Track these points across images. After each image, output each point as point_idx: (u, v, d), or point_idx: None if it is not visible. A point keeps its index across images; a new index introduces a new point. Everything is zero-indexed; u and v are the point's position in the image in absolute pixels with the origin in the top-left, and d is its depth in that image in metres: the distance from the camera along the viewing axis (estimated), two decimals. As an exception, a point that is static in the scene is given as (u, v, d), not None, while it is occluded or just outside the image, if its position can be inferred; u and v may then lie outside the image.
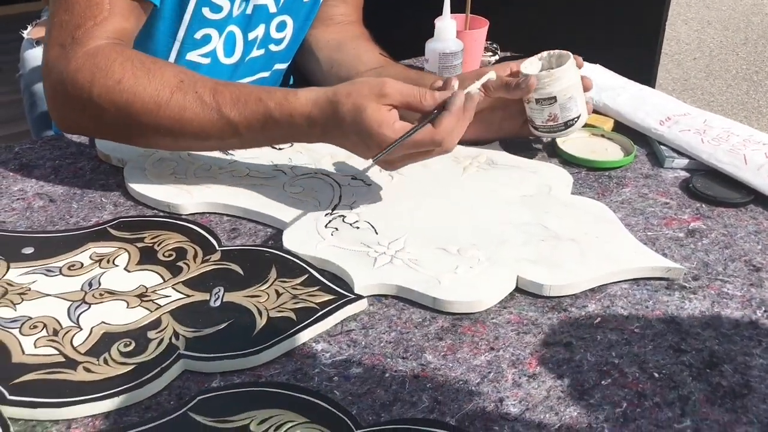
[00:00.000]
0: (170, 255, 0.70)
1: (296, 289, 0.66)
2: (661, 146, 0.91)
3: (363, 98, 0.71)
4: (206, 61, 0.95)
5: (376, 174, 0.82)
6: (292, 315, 0.63)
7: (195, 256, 0.70)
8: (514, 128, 0.91)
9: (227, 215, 0.79)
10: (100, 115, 0.77)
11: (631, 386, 0.58)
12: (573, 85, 0.84)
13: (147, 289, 0.66)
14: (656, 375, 0.59)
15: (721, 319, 0.65)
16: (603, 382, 0.58)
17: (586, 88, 0.87)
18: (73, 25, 0.77)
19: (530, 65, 0.86)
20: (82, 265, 0.69)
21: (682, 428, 0.54)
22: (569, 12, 1.50)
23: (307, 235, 0.73)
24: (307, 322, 0.62)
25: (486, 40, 1.15)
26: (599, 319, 0.65)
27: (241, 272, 0.68)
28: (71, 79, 0.76)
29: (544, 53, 0.88)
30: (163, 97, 0.75)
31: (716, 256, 0.73)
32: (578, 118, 0.86)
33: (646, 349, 0.61)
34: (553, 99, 0.84)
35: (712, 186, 0.83)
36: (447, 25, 1.02)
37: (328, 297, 0.65)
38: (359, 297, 0.65)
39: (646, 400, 0.56)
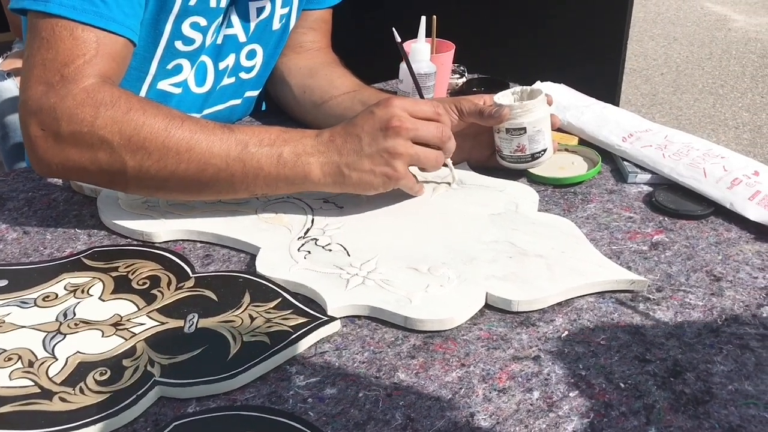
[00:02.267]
0: (144, 283, 0.71)
1: (270, 313, 0.67)
2: (624, 162, 0.94)
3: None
4: (178, 90, 0.97)
5: (348, 197, 0.84)
6: (266, 339, 0.64)
7: (169, 284, 0.71)
8: (482, 158, 0.94)
9: (200, 242, 0.80)
10: (98, 148, 0.74)
11: (598, 397, 0.59)
12: (542, 119, 0.88)
13: (122, 317, 0.67)
14: (622, 385, 0.60)
15: (684, 329, 0.67)
16: (571, 393, 0.60)
17: (554, 125, 0.90)
18: (60, 63, 0.75)
19: (503, 97, 0.90)
20: (57, 295, 0.70)
21: (648, 436, 0.56)
22: (533, 34, 1.54)
23: (280, 259, 0.74)
24: (280, 345, 0.63)
25: (453, 63, 1.18)
26: (566, 332, 0.66)
27: (215, 298, 0.69)
28: (68, 115, 0.74)
29: (517, 88, 0.92)
30: (174, 123, 0.75)
31: (679, 268, 0.75)
32: (544, 151, 0.89)
33: (612, 360, 0.63)
34: (522, 130, 0.87)
35: (674, 199, 0.86)
36: (421, 47, 1.04)
37: (301, 320, 0.66)
38: (332, 319, 0.66)
39: (613, 410, 0.58)
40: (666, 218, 0.84)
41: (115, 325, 0.66)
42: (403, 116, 0.76)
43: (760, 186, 0.84)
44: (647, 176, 0.91)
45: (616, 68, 1.44)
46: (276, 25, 1.02)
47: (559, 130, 0.98)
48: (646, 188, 0.90)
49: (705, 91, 3.55)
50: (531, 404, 0.59)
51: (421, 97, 0.91)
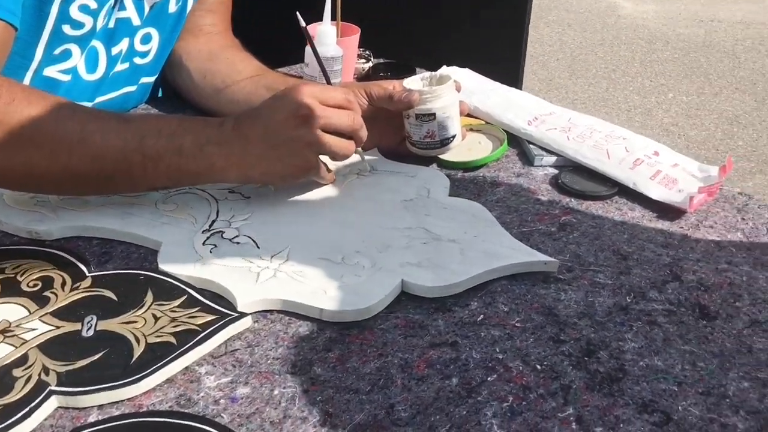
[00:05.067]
0: (35, 285, 0.66)
1: (175, 311, 0.63)
2: (530, 145, 0.95)
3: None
4: (66, 78, 0.90)
5: (255, 187, 0.81)
6: (172, 339, 0.60)
7: (63, 285, 0.66)
8: (392, 144, 0.92)
9: (97, 238, 0.75)
10: None
11: (515, 380, 0.59)
12: (451, 104, 0.87)
13: (10, 323, 0.61)
14: (538, 367, 0.61)
15: (595, 308, 0.68)
16: (489, 378, 0.59)
17: (462, 112, 0.90)
18: None
19: (413, 82, 0.88)
20: (-66, 303, 0.63)
21: (566, 416, 0.56)
22: (437, 18, 1.54)
23: (184, 255, 0.70)
24: (188, 345, 0.60)
25: (359, 48, 1.16)
26: (482, 316, 0.66)
27: (114, 298, 0.65)
28: None
29: (426, 73, 0.91)
30: (63, 114, 0.70)
31: (587, 248, 0.77)
32: (454, 137, 0.89)
33: (528, 343, 0.63)
34: (432, 116, 0.86)
35: (579, 181, 0.88)
36: (327, 29, 1.02)
37: (209, 317, 0.63)
38: (243, 315, 0.63)
39: (531, 393, 0.58)
40: (572, 200, 0.85)
41: (3, 331, 0.60)
42: (312, 104, 0.73)
43: (661, 165, 0.87)
44: (553, 159, 0.93)
45: (517, 52, 1.46)
46: (172, 7, 0.97)
47: (468, 115, 0.98)
48: (552, 171, 0.92)
49: (598, 76, 3.68)
50: (450, 391, 0.58)
51: (328, 81, 0.89)
